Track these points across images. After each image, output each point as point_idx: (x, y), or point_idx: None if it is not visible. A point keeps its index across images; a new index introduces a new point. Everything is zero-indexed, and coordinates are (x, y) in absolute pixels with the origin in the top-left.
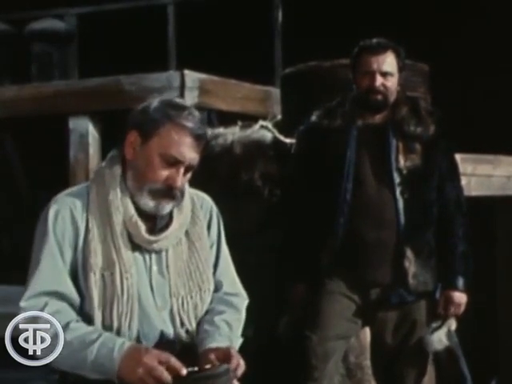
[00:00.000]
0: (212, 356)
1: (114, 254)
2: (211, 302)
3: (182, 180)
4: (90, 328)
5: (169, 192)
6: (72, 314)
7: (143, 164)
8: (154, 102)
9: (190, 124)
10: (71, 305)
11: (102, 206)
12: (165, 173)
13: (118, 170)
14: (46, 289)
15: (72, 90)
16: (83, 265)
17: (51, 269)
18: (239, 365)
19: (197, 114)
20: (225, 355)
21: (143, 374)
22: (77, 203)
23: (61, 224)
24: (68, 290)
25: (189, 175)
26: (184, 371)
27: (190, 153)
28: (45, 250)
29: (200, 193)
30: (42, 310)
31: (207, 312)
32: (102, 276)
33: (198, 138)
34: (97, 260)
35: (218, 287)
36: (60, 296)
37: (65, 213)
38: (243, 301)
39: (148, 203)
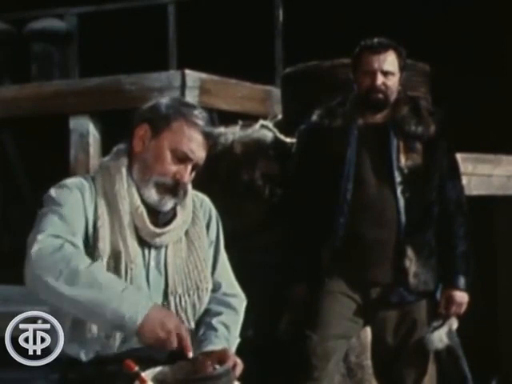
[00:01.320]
0: (207, 361)
1: (120, 244)
2: (209, 303)
3: (188, 177)
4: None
5: (174, 187)
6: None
7: (152, 157)
8: (165, 99)
9: (201, 122)
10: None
11: (109, 196)
12: (173, 168)
13: (124, 162)
14: (62, 234)
15: (72, 90)
16: (92, 249)
17: (65, 219)
18: (236, 364)
19: (206, 114)
20: (220, 357)
21: (166, 331)
22: (85, 187)
23: (72, 196)
24: (81, 244)
25: (193, 174)
26: (190, 354)
27: (199, 151)
28: (59, 205)
29: (199, 194)
30: (61, 246)
31: (205, 313)
32: (108, 263)
33: (208, 136)
34: (105, 247)
35: (216, 288)
36: (75, 245)
37: (74, 190)
38: (241, 302)
39: (152, 196)
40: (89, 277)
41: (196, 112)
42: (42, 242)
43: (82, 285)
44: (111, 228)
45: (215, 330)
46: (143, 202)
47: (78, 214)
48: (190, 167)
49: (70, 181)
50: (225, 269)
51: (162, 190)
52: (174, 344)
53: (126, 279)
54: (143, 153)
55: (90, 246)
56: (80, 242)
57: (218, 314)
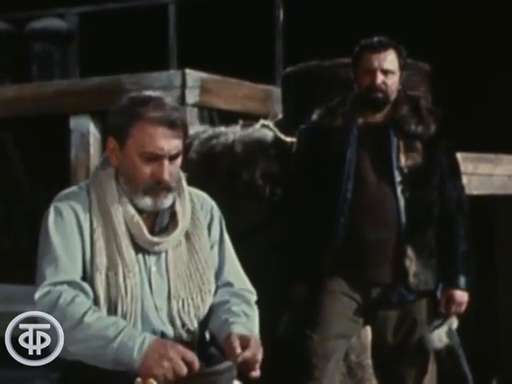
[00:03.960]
0: (236, 342)
1: (116, 255)
2: (224, 295)
3: (169, 171)
4: (106, 321)
5: (161, 186)
6: (86, 303)
7: (128, 167)
8: (122, 101)
9: (158, 114)
10: (84, 292)
11: (103, 207)
12: (149, 170)
13: (111, 172)
14: (57, 279)
15: (73, 90)
16: (90, 264)
17: (59, 260)
18: (257, 353)
19: (166, 100)
20: (246, 343)
21: (168, 368)
22: (79, 202)
23: (65, 221)
24: (78, 277)
25: (178, 161)
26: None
27: (166, 143)
28: (51, 244)
29: (200, 192)
30: (56, 302)
31: (223, 303)
32: (107, 276)
33: (172, 124)
34: (102, 260)
35: (228, 286)
36: (72, 284)
37: (67, 211)
38: (253, 296)
39: (146, 202)
40: (82, 333)
41: (151, 105)
42: (41, 298)
43: (76, 341)
44: (107, 239)
45: (238, 316)
46: (137, 209)
47: (73, 242)
48: (165, 162)
49: (64, 201)
50: (234, 266)
51: (153, 194)
52: (183, 369)
53: (125, 289)
54: (120, 165)
55: (88, 262)
56: (76, 276)
57: (237, 304)
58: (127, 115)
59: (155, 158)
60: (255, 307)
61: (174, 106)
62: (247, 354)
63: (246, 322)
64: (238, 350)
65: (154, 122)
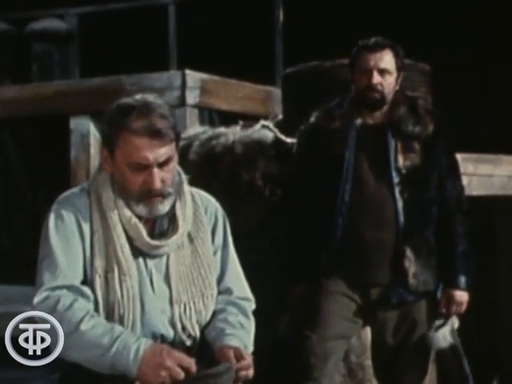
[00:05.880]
0: (230, 353)
1: (113, 256)
2: (222, 303)
3: (160, 178)
4: (102, 329)
5: (154, 194)
6: (84, 309)
7: (120, 176)
8: (110, 109)
9: (142, 124)
10: (84, 296)
11: (101, 210)
12: (140, 178)
13: (107, 176)
14: (56, 284)
15: (73, 90)
16: (90, 267)
17: (58, 264)
18: (249, 366)
19: (155, 105)
20: (240, 355)
21: (165, 376)
22: (79, 205)
23: (65, 224)
24: (78, 281)
25: (171, 166)
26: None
27: (152, 153)
28: (50, 248)
29: (205, 194)
30: (54, 307)
31: (220, 311)
32: (106, 278)
33: (157, 134)
34: (100, 262)
35: (228, 293)
36: (71, 289)
37: (68, 214)
38: (251, 305)
39: (141, 210)
40: (79, 340)
41: (135, 115)
42: (40, 303)
43: (74, 349)
44: (105, 242)
45: (234, 327)
46: (135, 213)
47: (73, 245)
48: (154, 170)
49: (65, 204)
50: (235, 272)
51: (146, 201)
52: (181, 376)
53: (121, 292)
54: (113, 173)
55: (88, 264)
56: (76, 280)
57: (234, 314)
58: (113, 126)
59: (143, 167)
60: (252, 317)
61: (160, 113)
62: (244, 372)
63: (242, 334)
64: (233, 361)
65: (138, 133)
